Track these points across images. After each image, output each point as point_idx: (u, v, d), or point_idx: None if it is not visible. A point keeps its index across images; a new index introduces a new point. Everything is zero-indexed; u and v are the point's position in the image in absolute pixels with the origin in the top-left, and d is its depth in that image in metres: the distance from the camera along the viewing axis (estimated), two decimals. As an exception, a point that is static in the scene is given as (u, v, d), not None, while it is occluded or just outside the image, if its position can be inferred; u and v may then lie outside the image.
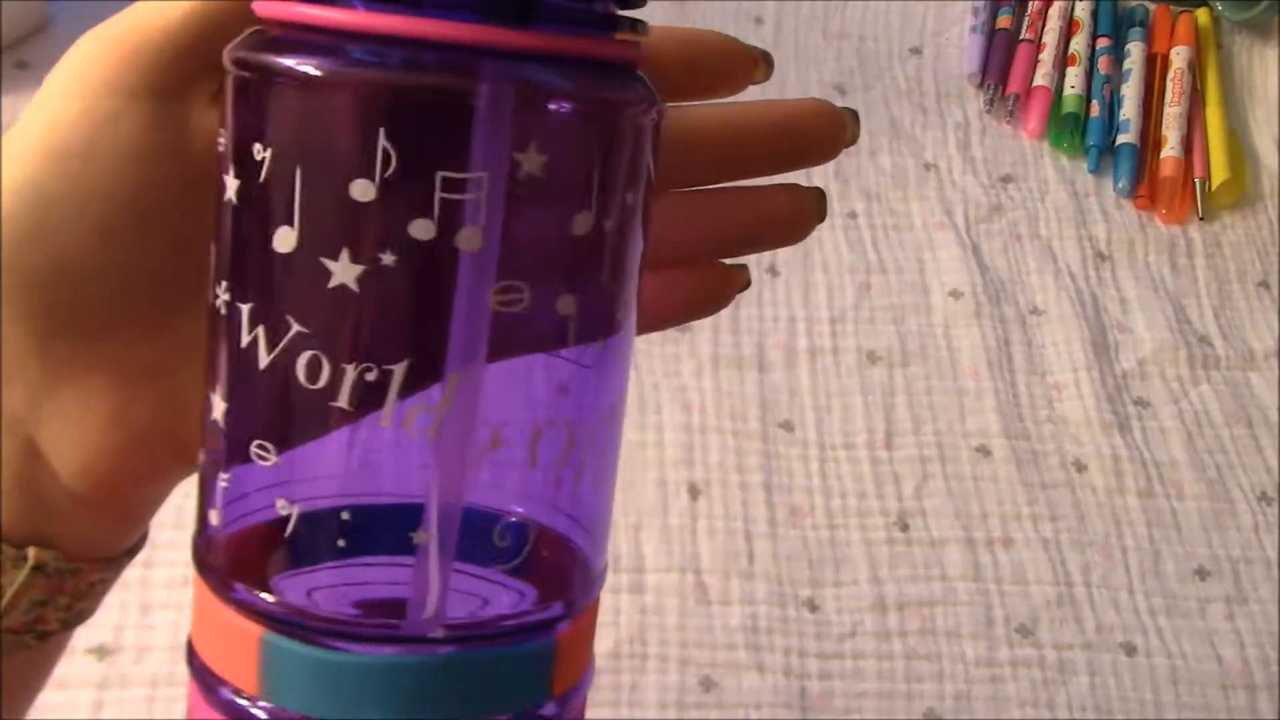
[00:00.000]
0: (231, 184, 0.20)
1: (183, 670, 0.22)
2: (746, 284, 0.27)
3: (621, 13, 0.21)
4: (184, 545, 0.24)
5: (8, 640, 0.22)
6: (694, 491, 0.54)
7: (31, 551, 0.21)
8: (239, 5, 0.20)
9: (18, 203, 0.20)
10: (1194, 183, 0.68)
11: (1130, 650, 0.52)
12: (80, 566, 0.23)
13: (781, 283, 0.62)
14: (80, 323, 0.21)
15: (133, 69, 0.21)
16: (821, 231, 0.64)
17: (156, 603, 0.47)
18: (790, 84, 0.69)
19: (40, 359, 0.20)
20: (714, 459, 0.55)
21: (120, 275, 0.21)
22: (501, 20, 0.19)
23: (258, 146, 0.19)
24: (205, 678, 0.21)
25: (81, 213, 0.20)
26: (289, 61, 0.19)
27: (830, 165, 0.66)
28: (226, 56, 0.20)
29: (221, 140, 0.20)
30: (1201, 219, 0.68)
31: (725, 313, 0.61)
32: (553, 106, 0.20)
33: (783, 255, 0.62)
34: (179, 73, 0.21)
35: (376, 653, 0.20)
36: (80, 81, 0.21)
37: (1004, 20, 0.74)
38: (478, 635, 0.21)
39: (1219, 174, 0.68)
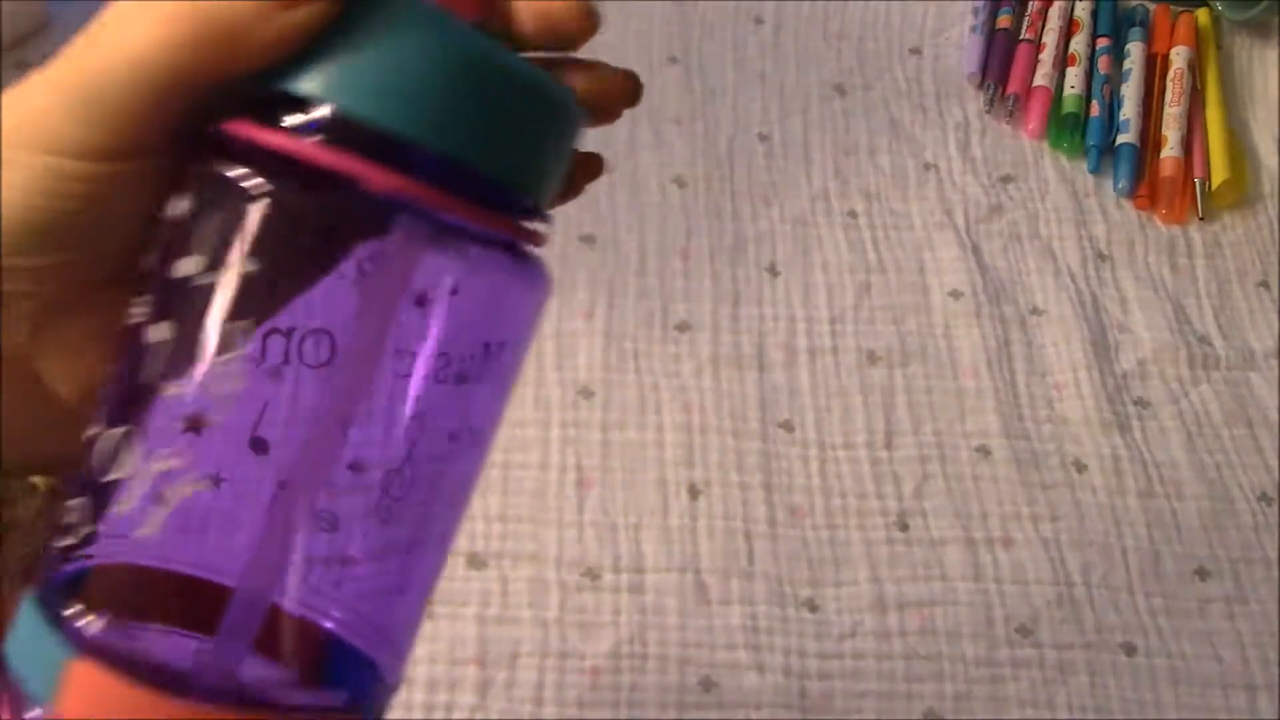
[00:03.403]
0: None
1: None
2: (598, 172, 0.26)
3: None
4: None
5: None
6: (694, 491, 0.54)
7: (40, 480, 0.24)
8: (213, 43, 0.20)
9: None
10: (1194, 183, 0.68)
11: (1130, 650, 0.52)
12: None
13: (781, 282, 0.62)
14: (76, 276, 0.22)
15: (95, 129, 0.20)
16: (821, 231, 0.64)
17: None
18: (790, 84, 0.69)
19: (40, 300, 0.22)
20: (714, 459, 0.55)
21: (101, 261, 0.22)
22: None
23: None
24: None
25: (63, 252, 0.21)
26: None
27: (830, 165, 0.67)
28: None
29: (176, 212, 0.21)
30: (1201, 219, 0.68)
31: (725, 312, 0.61)
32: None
33: (783, 255, 0.62)
34: (146, 132, 0.20)
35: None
36: (43, 142, 0.20)
37: (1004, 20, 0.74)
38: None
39: (1219, 174, 0.68)
